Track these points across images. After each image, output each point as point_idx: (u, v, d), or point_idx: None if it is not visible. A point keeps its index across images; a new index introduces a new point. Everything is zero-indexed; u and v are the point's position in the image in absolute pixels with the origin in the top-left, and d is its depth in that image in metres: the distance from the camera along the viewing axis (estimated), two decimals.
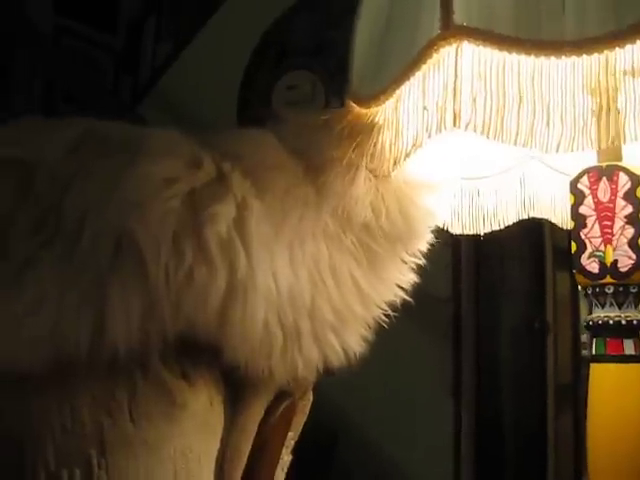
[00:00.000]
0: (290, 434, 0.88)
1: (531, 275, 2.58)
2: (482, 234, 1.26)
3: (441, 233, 2.96)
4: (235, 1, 3.20)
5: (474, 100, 0.76)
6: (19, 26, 2.65)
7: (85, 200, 0.75)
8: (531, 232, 2.65)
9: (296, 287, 0.80)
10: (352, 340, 0.84)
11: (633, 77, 0.78)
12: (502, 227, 1.27)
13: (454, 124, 0.77)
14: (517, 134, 0.75)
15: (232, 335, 0.77)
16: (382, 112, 0.89)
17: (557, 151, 0.75)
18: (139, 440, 0.73)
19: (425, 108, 0.79)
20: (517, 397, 2.56)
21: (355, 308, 0.84)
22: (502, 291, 2.74)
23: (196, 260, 0.74)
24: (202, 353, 0.79)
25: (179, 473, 0.74)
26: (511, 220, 1.27)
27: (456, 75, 0.78)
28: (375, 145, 0.86)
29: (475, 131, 0.76)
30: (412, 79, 0.82)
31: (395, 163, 0.83)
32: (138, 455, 0.73)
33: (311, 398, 0.93)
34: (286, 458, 0.88)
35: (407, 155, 0.81)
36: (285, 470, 0.88)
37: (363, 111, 0.92)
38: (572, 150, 0.75)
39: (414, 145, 0.81)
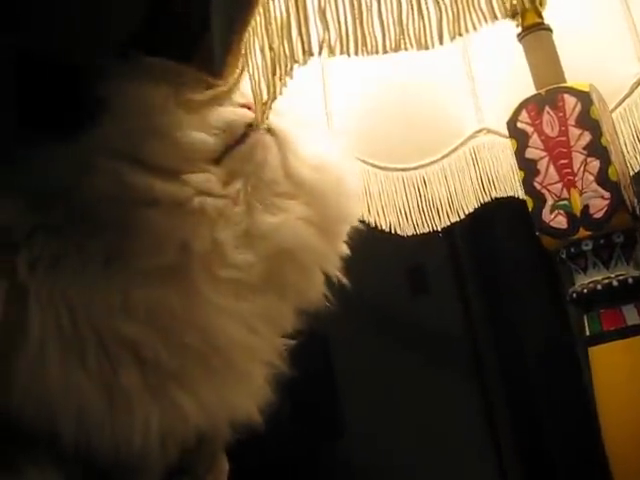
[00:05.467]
0: None
1: (545, 289, 2.33)
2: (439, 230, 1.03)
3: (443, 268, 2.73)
4: None
5: (323, 14, 0.55)
6: None
7: None
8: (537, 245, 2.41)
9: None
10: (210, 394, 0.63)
11: None
12: (461, 217, 1.04)
13: (304, 52, 0.56)
14: (384, 37, 0.53)
15: (19, 391, 0.56)
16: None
17: (440, 41, 0.53)
18: None
19: (271, 48, 0.58)
20: (560, 425, 2.27)
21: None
22: (518, 314, 2.49)
23: None
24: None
25: None
26: (471, 207, 1.04)
27: None
28: None
29: (332, 52, 0.55)
30: (252, 21, 0.62)
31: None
32: None
33: (225, 468, 0.69)
34: None
35: (264, 112, 0.60)
36: None
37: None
38: (460, 35, 0.53)
39: (269, 97, 0.59)
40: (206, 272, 0.64)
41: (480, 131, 1.02)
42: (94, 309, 0.61)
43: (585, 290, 0.71)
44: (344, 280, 0.77)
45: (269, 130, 0.68)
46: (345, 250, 0.77)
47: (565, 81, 0.75)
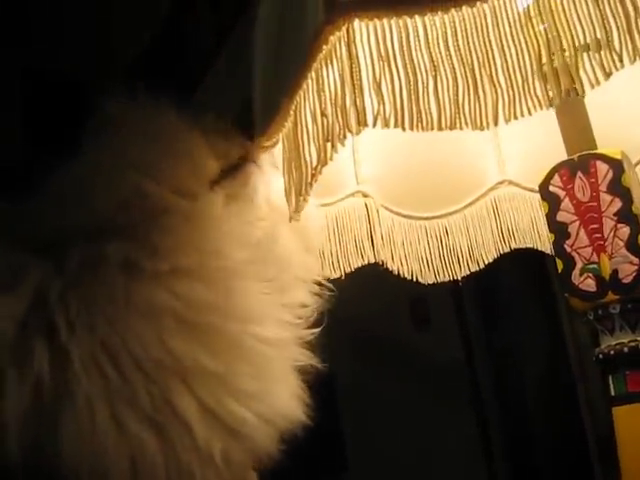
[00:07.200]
0: None
1: (545, 323, 2.36)
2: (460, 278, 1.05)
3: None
4: None
5: (378, 86, 0.58)
6: None
7: None
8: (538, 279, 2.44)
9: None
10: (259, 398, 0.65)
11: None
12: (481, 266, 1.06)
13: (359, 123, 0.58)
14: (440, 114, 0.56)
15: (69, 447, 0.58)
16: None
17: (495, 123, 0.56)
18: None
19: (323, 114, 0.60)
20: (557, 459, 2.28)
21: None
22: (517, 347, 2.51)
23: None
24: None
25: None
26: (490, 257, 1.06)
27: (352, 63, 0.59)
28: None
29: (387, 124, 0.57)
30: (304, 85, 0.64)
31: (300, 193, 0.63)
32: None
33: None
34: None
35: (313, 177, 0.62)
36: None
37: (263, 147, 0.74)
38: (515, 118, 0.56)
39: (319, 163, 0.61)
40: (224, 259, 0.67)
41: (502, 182, 1.04)
42: (132, 346, 0.62)
43: (612, 352, 0.73)
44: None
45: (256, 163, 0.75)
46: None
47: (596, 147, 0.78)
